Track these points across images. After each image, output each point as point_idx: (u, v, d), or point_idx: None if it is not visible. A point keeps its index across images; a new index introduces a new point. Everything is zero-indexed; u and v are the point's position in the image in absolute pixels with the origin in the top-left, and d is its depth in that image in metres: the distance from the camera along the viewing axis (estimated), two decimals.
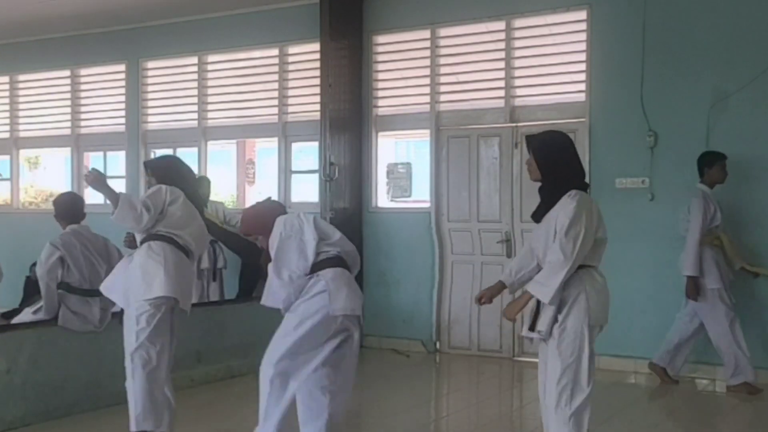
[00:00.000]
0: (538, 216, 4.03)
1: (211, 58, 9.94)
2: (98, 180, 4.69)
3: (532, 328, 3.98)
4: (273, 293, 4.27)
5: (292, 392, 4.24)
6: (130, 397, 4.78)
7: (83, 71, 10.91)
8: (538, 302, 3.95)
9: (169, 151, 10.47)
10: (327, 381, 4.28)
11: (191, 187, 5.20)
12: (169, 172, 5.08)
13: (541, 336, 3.94)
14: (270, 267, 4.25)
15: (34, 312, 5.96)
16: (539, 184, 4.06)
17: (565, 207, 3.87)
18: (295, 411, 4.32)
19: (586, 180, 4.18)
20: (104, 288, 5.07)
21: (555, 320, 3.90)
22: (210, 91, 9.98)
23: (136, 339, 4.71)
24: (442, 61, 8.56)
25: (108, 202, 4.83)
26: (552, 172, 3.97)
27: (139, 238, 4.95)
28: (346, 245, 4.40)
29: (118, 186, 9.74)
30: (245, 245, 8.49)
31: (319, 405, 4.27)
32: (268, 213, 4.43)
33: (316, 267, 4.23)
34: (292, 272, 4.19)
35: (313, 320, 4.18)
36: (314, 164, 9.07)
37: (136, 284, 4.76)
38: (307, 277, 4.23)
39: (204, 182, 9.22)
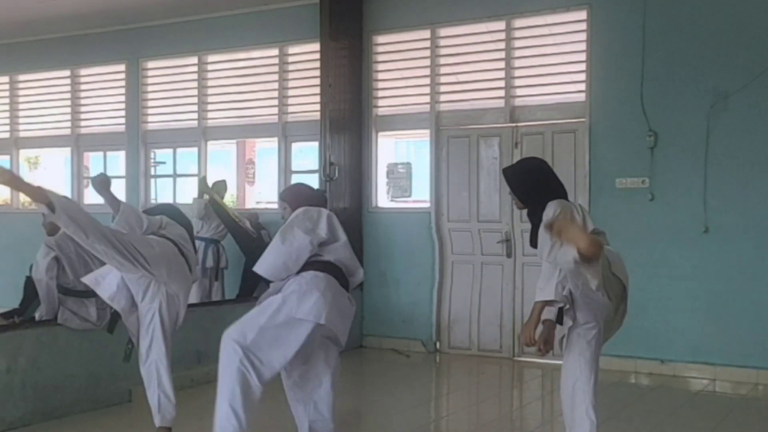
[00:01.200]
0: (534, 242, 4.04)
1: (211, 58, 9.94)
2: (103, 183, 4.74)
3: (560, 321, 4.09)
4: (269, 260, 4.23)
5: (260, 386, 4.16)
6: (158, 396, 4.88)
7: (83, 71, 10.91)
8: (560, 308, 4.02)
9: (169, 151, 10.50)
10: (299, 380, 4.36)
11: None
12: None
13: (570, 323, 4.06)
14: (276, 235, 4.28)
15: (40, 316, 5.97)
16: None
17: (545, 214, 3.92)
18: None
19: (569, 196, 4.21)
20: (90, 279, 5.00)
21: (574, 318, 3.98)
22: (210, 91, 9.99)
23: (164, 342, 4.86)
24: (442, 61, 8.56)
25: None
26: (531, 198, 4.05)
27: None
28: (344, 254, 4.37)
29: (118, 186, 9.80)
30: (252, 244, 8.52)
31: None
32: (309, 194, 4.62)
33: (306, 266, 4.21)
34: (296, 242, 4.19)
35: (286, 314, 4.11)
36: (314, 164, 9.07)
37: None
38: (299, 261, 4.22)
39: (221, 185, 9.25)
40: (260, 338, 4.05)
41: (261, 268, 4.26)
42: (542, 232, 3.99)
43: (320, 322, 4.08)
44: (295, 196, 4.59)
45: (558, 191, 4.07)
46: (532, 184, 4.05)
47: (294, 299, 4.08)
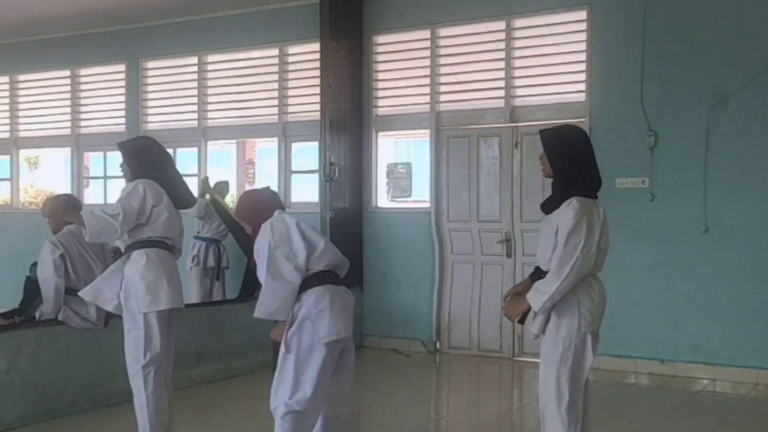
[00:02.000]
0: (548, 208, 3.91)
1: (211, 58, 9.94)
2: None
3: (522, 321, 4.00)
4: (267, 301, 4.06)
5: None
6: (143, 410, 4.68)
7: (83, 71, 10.91)
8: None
9: (169, 151, 10.47)
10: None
11: (170, 172, 4.96)
12: (142, 158, 4.80)
13: (536, 334, 3.93)
14: (263, 276, 4.09)
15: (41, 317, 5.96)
16: (548, 180, 3.98)
17: (565, 216, 3.78)
18: None
19: (600, 179, 3.97)
20: (89, 294, 4.82)
21: (547, 320, 3.87)
22: (210, 91, 9.99)
23: (145, 353, 4.59)
24: (442, 61, 8.56)
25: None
26: (563, 170, 3.86)
27: (124, 244, 4.72)
28: (329, 256, 4.16)
29: (119, 186, 9.79)
30: (252, 244, 8.51)
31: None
32: (264, 205, 4.33)
33: (302, 285, 4.07)
34: (286, 275, 4.03)
35: (315, 358, 4.03)
36: (314, 164, 9.07)
37: (139, 295, 4.58)
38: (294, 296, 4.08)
39: (223, 185, 9.25)
40: (300, 385, 4.02)
41: (265, 312, 4.08)
42: (545, 226, 3.91)
43: (342, 336, 4.04)
44: (253, 213, 4.33)
45: (589, 175, 3.89)
46: (567, 156, 3.86)
47: (309, 325, 4.02)
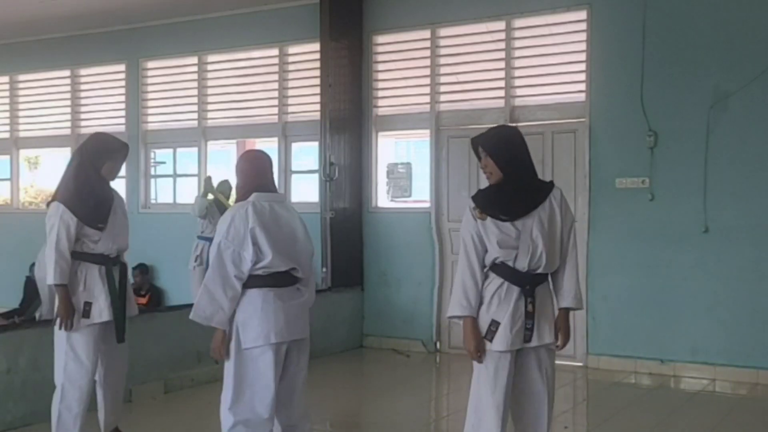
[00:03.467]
0: (518, 214, 3.66)
1: (211, 58, 9.94)
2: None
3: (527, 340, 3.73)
4: (203, 306, 3.92)
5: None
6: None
7: (83, 71, 10.91)
8: (534, 313, 3.70)
9: (169, 151, 10.49)
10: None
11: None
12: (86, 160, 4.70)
13: (556, 346, 3.81)
14: (207, 276, 3.96)
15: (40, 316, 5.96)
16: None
17: (568, 207, 3.79)
18: None
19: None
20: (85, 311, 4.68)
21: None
22: (210, 91, 9.99)
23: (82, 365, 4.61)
24: (442, 61, 8.56)
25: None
26: (513, 166, 3.70)
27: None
28: (276, 263, 3.91)
29: (119, 186, 9.79)
30: None
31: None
32: (250, 178, 4.07)
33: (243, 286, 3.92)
34: (228, 282, 3.88)
35: (250, 364, 3.91)
36: (314, 164, 9.08)
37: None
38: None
39: (226, 185, 9.26)
40: (240, 394, 3.89)
41: (200, 316, 3.95)
42: (536, 223, 3.69)
43: (272, 341, 3.87)
44: (239, 181, 4.10)
45: (531, 163, 3.81)
46: (517, 151, 3.73)
47: (241, 330, 3.90)
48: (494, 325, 3.65)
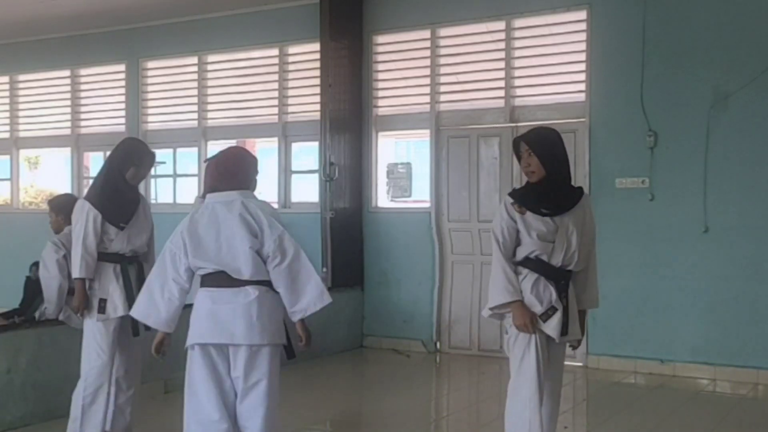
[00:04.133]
0: (560, 210, 3.88)
1: (211, 58, 9.94)
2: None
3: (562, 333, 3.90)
4: (143, 303, 3.92)
5: None
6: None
7: (83, 71, 10.91)
8: (566, 309, 3.89)
9: (169, 151, 10.48)
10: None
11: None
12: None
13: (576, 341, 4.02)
14: (149, 276, 3.98)
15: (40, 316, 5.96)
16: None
17: (589, 210, 3.96)
18: None
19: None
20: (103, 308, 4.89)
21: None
22: (210, 91, 9.99)
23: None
24: (442, 61, 8.56)
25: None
26: (559, 168, 3.92)
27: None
28: (199, 259, 3.80)
29: None
30: None
31: None
32: (213, 179, 3.94)
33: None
34: (165, 290, 3.84)
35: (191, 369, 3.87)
36: (314, 164, 9.07)
37: None
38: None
39: None
40: (191, 394, 3.86)
41: (139, 314, 3.99)
42: (570, 222, 3.89)
43: (195, 342, 3.80)
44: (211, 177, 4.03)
45: (569, 164, 4.05)
46: (559, 151, 3.95)
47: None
48: (552, 310, 3.84)
